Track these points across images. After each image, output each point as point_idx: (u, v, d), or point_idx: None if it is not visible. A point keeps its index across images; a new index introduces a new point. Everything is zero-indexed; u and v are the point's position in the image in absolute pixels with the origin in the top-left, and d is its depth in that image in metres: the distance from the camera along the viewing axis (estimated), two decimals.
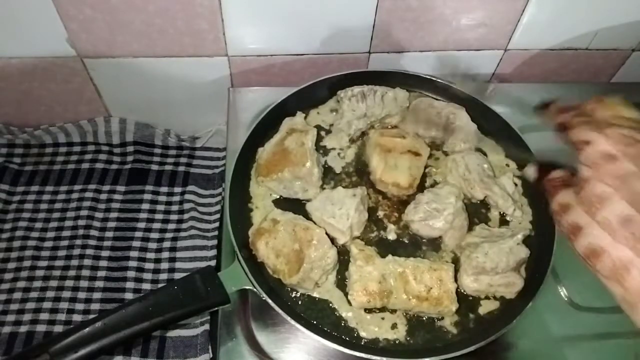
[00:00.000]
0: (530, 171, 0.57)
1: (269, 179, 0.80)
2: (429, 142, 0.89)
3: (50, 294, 0.88)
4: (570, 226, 0.48)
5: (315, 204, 0.79)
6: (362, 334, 0.72)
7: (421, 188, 0.84)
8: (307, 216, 0.78)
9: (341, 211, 0.77)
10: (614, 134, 0.47)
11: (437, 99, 0.93)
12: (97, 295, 0.89)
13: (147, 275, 0.92)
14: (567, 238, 0.49)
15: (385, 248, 0.79)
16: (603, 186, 0.46)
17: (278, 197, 0.83)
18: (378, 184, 0.84)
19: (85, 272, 0.90)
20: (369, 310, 0.73)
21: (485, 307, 0.76)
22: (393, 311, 0.74)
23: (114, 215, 0.98)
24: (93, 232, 0.95)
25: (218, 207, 1.00)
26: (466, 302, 0.75)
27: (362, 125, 0.88)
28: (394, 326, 0.73)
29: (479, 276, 0.75)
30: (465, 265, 0.76)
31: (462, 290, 0.76)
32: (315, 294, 0.74)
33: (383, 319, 0.73)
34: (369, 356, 0.67)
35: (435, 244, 0.80)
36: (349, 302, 0.73)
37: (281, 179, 0.80)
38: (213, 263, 0.92)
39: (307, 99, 0.90)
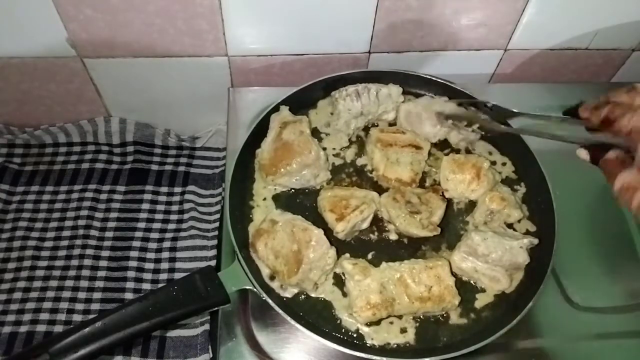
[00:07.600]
0: (583, 153, 0.58)
1: (279, 175, 0.80)
2: (442, 140, 0.89)
3: (50, 294, 0.88)
4: None
5: None
6: (371, 341, 0.72)
7: (421, 186, 0.84)
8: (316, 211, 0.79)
9: None
10: None
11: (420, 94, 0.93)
12: (97, 295, 0.89)
13: (147, 275, 0.92)
14: (638, 216, 0.51)
15: (386, 249, 0.79)
16: None
17: (283, 193, 0.83)
18: (380, 180, 0.84)
19: (85, 272, 0.91)
20: (375, 323, 0.73)
21: (482, 301, 0.76)
22: (400, 316, 0.74)
23: (114, 215, 0.98)
24: (93, 232, 0.95)
25: (218, 207, 1.00)
26: (465, 293, 0.76)
27: (360, 123, 0.88)
28: (403, 330, 0.73)
29: (469, 257, 0.75)
30: (462, 242, 0.77)
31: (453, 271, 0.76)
32: (315, 294, 0.74)
33: (392, 323, 0.73)
34: (369, 356, 0.67)
35: (435, 244, 0.80)
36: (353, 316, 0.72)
37: (291, 171, 0.80)
38: (213, 263, 0.92)
39: (307, 98, 0.90)
